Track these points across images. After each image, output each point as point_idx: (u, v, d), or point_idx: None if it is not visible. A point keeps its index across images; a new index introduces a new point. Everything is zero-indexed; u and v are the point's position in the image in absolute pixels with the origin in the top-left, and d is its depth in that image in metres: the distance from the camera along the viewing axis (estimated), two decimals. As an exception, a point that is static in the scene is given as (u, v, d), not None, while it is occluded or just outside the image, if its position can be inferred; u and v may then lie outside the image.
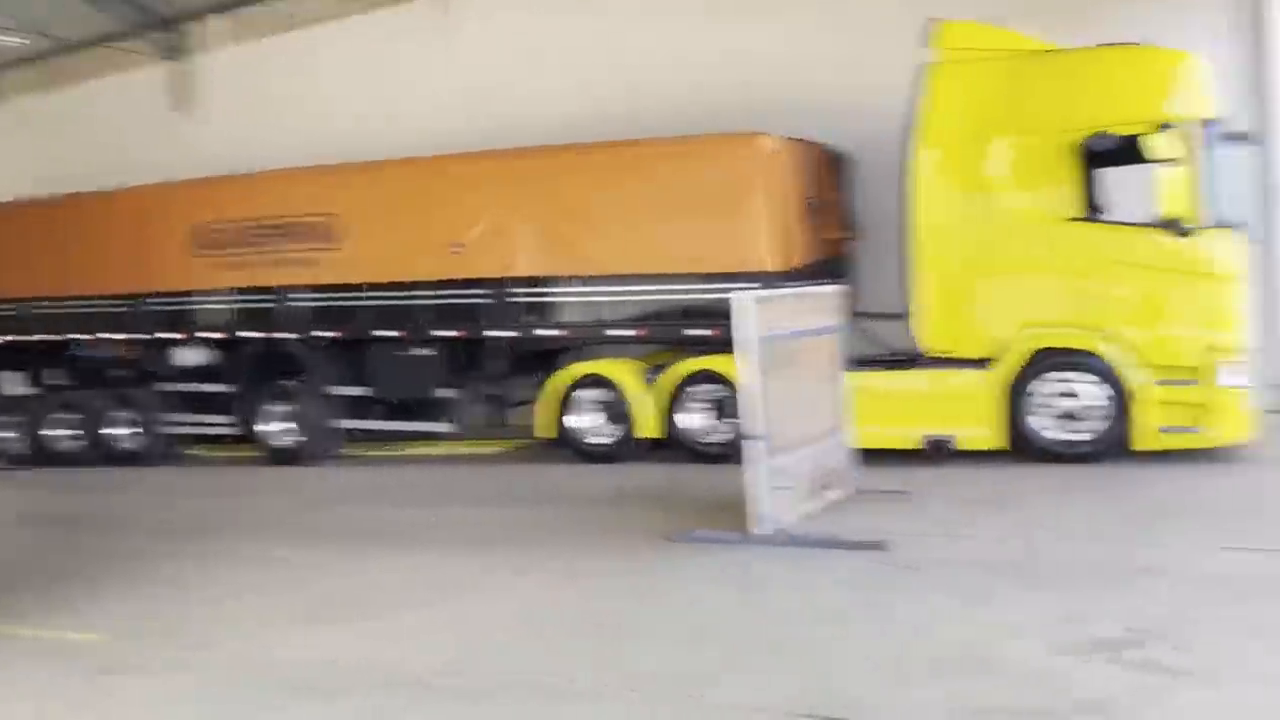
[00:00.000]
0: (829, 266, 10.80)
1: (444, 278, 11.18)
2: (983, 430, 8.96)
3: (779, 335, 6.94)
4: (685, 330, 10.33)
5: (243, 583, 6.78)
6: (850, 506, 7.51)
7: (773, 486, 6.73)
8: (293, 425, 12.30)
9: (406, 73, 15.32)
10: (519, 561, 6.71)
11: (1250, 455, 8.42)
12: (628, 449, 10.42)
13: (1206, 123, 8.34)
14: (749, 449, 6.69)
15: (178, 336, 13.04)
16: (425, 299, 11.39)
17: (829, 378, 7.76)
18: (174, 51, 17.70)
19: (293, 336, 12.17)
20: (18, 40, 18.22)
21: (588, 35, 13.85)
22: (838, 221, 10.83)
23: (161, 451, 13.31)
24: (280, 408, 12.38)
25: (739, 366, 6.80)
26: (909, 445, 9.18)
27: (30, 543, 8.95)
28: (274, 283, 12.18)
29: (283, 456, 12.30)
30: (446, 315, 11.29)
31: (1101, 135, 8.44)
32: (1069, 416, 8.77)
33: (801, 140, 10.51)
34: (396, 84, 15.35)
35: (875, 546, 6.35)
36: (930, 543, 6.49)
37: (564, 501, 8.62)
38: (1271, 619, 4.71)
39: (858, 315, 11.15)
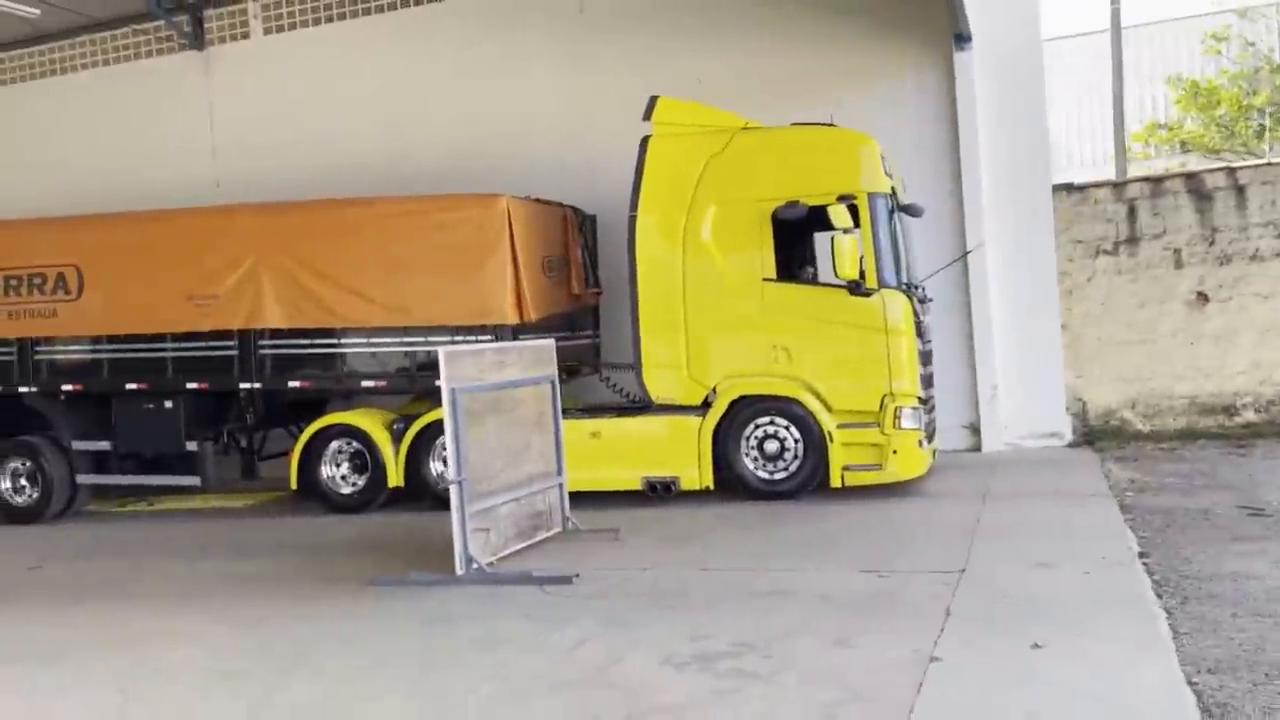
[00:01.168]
0: (571, 320, 11.49)
1: (188, 329, 11.18)
2: (696, 472, 9.74)
3: (480, 386, 7.44)
4: (428, 381, 10.69)
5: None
6: (558, 545, 8.07)
7: (473, 528, 7.20)
8: (30, 482, 11.94)
9: (164, 124, 15.28)
10: (220, 610, 6.89)
11: (922, 490, 9.49)
12: (375, 498, 10.69)
13: (877, 196, 9.46)
14: (452, 493, 7.13)
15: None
16: (169, 351, 11.35)
17: (540, 426, 8.31)
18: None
19: (33, 390, 11.85)
20: None
21: (348, 92, 14.27)
22: (581, 277, 11.49)
23: None
24: (17, 463, 11.99)
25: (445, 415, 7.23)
26: (633, 487, 9.87)
27: None
28: (14, 334, 11.85)
29: (19, 515, 11.91)
30: (191, 367, 11.28)
31: (790, 205, 9.44)
32: (770, 458, 9.67)
33: (542, 201, 11.16)
34: (153, 135, 15.28)
35: (562, 581, 6.90)
36: (613, 576, 7.08)
37: (291, 552, 8.80)
38: (855, 628, 5.49)
39: (604, 365, 11.97)
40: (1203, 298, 11.52)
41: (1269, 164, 11.62)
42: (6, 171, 15.87)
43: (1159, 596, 5.80)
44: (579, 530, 8.45)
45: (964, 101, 11.78)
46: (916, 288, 10.10)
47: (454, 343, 10.07)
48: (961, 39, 11.69)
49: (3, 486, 12.04)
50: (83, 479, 11.87)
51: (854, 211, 9.34)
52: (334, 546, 8.95)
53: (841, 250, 9.19)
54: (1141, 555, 6.76)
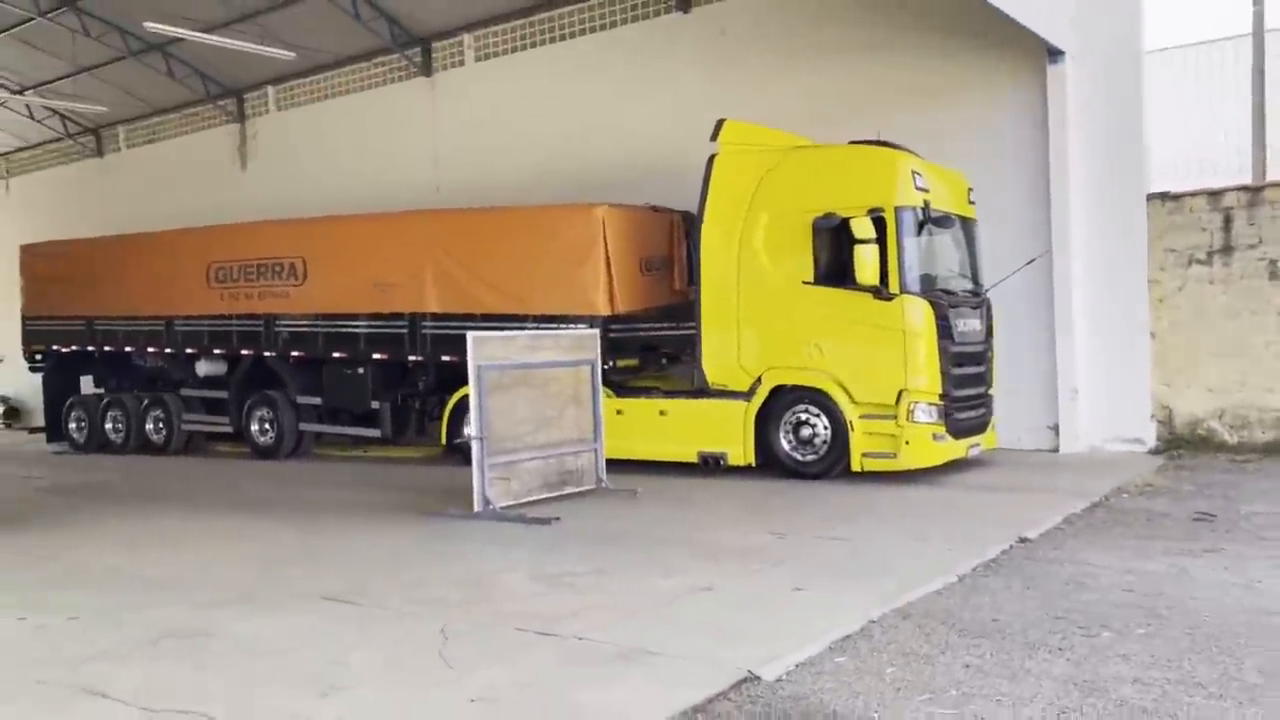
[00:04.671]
0: (672, 312, 13.12)
1: (373, 310, 14.01)
2: (741, 449, 11.15)
3: (507, 364, 9.40)
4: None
5: (120, 526, 9.70)
6: (583, 498, 9.88)
7: (492, 477, 9.20)
8: (270, 427, 15.41)
9: (399, 139, 18.47)
10: (321, 524, 9.38)
11: (933, 479, 10.35)
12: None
13: (904, 209, 10.38)
14: (474, 448, 9.17)
15: (195, 352, 16.31)
16: (361, 328, 14.25)
17: (576, 400, 10.13)
18: (237, 116, 21.34)
19: (272, 355, 15.24)
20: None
21: (540, 109, 16.68)
22: (683, 275, 13.10)
23: (181, 444, 16.71)
24: (262, 412, 15.49)
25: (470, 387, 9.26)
26: (690, 459, 11.45)
27: (36, 500, 12.15)
28: (260, 311, 15.29)
29: (263, 452, 15.41)
30: (375, 341, 14.11)
31: (826, 216, 10.57)
32: (803, 442, 10.89)
33: (655, 207, 12.90)
34: (390, 148, 18.52)
35: (544, 522, 8.74)
36: (592, 522, 8.81)
37: (399, 491, 11.23)
38: (692, 568, 6.89)
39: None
40: (1296, 309, 11.21)
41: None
42: (282, 179, 19.82)
43: (974, 571, 6.71)
44: (608, 488, 10.20)
45: (1055, 113, 12.14)
46: (951, 293, 10.86)
47: (561, 329, 12.08)
48: (1054, 53, 12.07)
49: (253, 429, 15.64)
50: (303, 426, 15.16)
51: (882, 223, 10.33)
52: (434, 489, 11.25)
53: (862, 259, 10.24)
54: (1022, 541, 7.52)
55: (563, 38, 16.70)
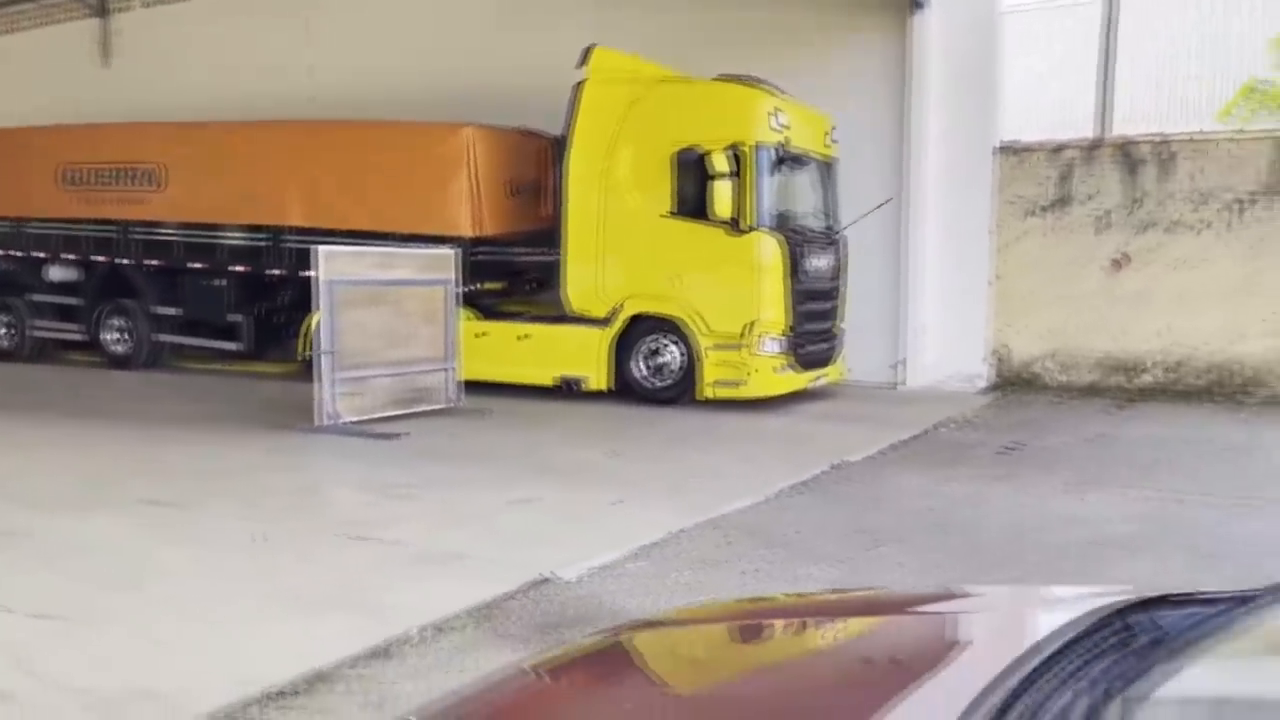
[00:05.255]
0: (540, 238, 13.18)
1: (236, 222, 13.70)
2: (599, 374, 11.40)
3: (357, 280, 9.39)
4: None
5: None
6: (433, 417, 9.99)
7: (341, 392, 9.24)
8: (126, 336, 15.01)
9: (272, 46, 17.85)
10: (162, 434, 9.29)
11: (778, 407, 10.79)
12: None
13: (761, 147, 10.64)
14: (320, 362, 9.18)
15: (46, 256, 15.68)
16: (222, 239, 13.93)
17: (429, 319, 10.20)
18: (99, 10, 20.26)
19: (128, 263, 14.78)
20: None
21: (414, 27, 16.33)
22: (550, 200, 13.14)
23: (33, 351, 16.13)
24: (117, 321, 15.06)
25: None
26: (549, 383, 11.65)
27: None
28: (117, 216, 14.78)
29: (118, 361, 15.01)
30: (237, 254, 13.83)
31: (686, 150, 10.76)
32: (657, 369, 11.20)
33: (527, 131, 12.85)
34: (263, 54, 17.89)
35: (388, 437, 8.86)
36: (434, 440, 8.95)
37: (247, 404, 11.15)
38: (516, 482, 7.13)
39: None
40: (1122, 260, 11.95)
41: (1199, 136, 11.76)
42: (148, 81, 18.93)
43: (789, 489, 7.11)
44: (461, 407, 10.35)
45: (915, 61, 12.51)
46: (803, 231, 11.23)
47: (427, 247, 12.04)
48: (917, 3, 12.40)
49: (107, 338, 15.20)
50: (159, 337, 14.81)
51: (739, 159, 10.58)
52: (286, 404, 11.19)
53: (718, 193, 10.49)
54: (839, 465, 7.98)
55: (443, -47, 16.31)
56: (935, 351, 12.84)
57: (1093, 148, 12.16)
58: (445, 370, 10.39)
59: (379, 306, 9.65)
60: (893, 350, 12.99)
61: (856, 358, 12.59)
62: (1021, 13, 12.97)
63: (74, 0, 20.39)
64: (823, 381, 11.64)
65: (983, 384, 12.67)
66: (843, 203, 12.05)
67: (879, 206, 12.04)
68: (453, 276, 10.46)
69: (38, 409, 11.01)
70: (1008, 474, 7.81)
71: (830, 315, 11.76)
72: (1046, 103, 14.11)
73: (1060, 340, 12.40)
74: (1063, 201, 12.26)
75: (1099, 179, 12.09)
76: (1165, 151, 11.75)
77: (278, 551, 5.38)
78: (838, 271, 11.89)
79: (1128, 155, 11.90)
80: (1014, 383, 12.66)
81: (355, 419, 9.33)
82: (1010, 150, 12.51)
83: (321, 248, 9.28)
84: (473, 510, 6.41)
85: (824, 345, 11.65)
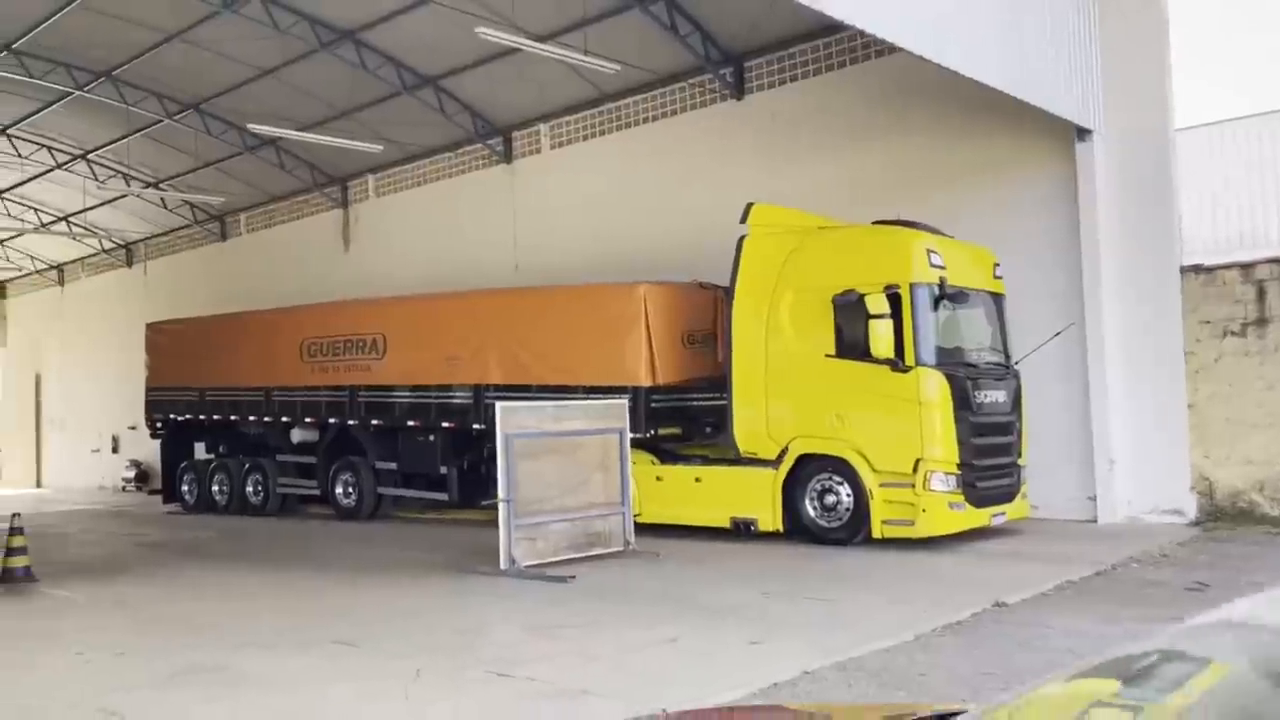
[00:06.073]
0: (715, 383, 13.69)
1: (443, 382, 15.05)
2: (771, 515, 11.60)
3: (535, 433, 10.16)
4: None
5: (195, 577, 10.78)
6: (609, 559, 10.49)
7: (519, 538, 9.92)
8: (352, 490, 16.55)
9: (484, 221, 19.74)
10: (366, 579, 10.26)
11: (951, 546, 10.58)
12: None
13: (918, 286, 10.81)
14: (500, 510, 9.93)
15: (290, 420, 17.66)
16: (433, 398, 15.30)
17: (604, 466, 10.80)
18: (341, 202, 23.11)
19: (355, 423, 16.43)
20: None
21: (608, 191, 17.69)
22: (724, 348, 13.68)
23: (276, 506, 18.01)
24: (346, 476, 16.67)
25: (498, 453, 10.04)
26: (724, 524, 11.94)
27: (131, 555, 13.45)
28: (346, 382, 16.54)
29: (346, 513, 16.54)
30: (446, 411, 15.13)
31: (845, 293, 11.08)
32: (828, 509, 11.29)
33: (689, 283, 13.58)
34: (475, 229, 19.79)
35: (560, 579, 9.39)
36: (609, 580, 9.41)
37: (446, 549, 12.03)
38: (660, 620, 7.42)
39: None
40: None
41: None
42: (379, 259, 21.33)
43: (934, 630, 7.05)
44: (634, 550, 10.80)
45: (1085, 190, 12.41)
46: (973, 365, 11.19)
47: (610, 397, 12.82)
48: (1083, 132, 12.38)
49: (337, 492, 16.81)
50: (381, 490, 16.25)
51: (897, 299, 10.79)
52: (481, 549, 12.00)
53: (877, 333, 10.69)
54: (998, 605, 7.79)
55: (629, 125, 17.73)
56: (1130, 483, 12.23)
57: (1286, 263, 11.53)
58: (620, 514, 10.91)
59: (555, 455, 10.37)
60: (1084, 484, 12.47)
61: (1046, 493, 12.19)
62: (1197, 129, 12.61)
63: (321, 195, 23.28)
64: (1003, 519, 11.33)
65: (1188, 517, 11.89)
66: (1025, 335, 11.92)
67: (1057, 335, 11.85)
68: (625, 425, 11.08)
69: (267, 558, 12.36)
70: (1182, 614, 7.35)
71: (1008, 450, 11.51)
72: (1229, 220, 13.52)
73: (1271, 469, 11.52)
74: (1261, 322, 11.60)
75: (1298, 295, 11.41)
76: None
77: (428, 686, 5.93)
78: (1014, 405, 11.68)
79: (1327, 269, 11.20)
80: (1223, 516, 11.80)
81: (533, 563, 9.95)
82: (1197, 270, 12.03)
83: (500, 404, 10.16)
84: (614, 648, 6.76)
85: (1003, 481, 11.38)
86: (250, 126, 18.46)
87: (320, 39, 17.05)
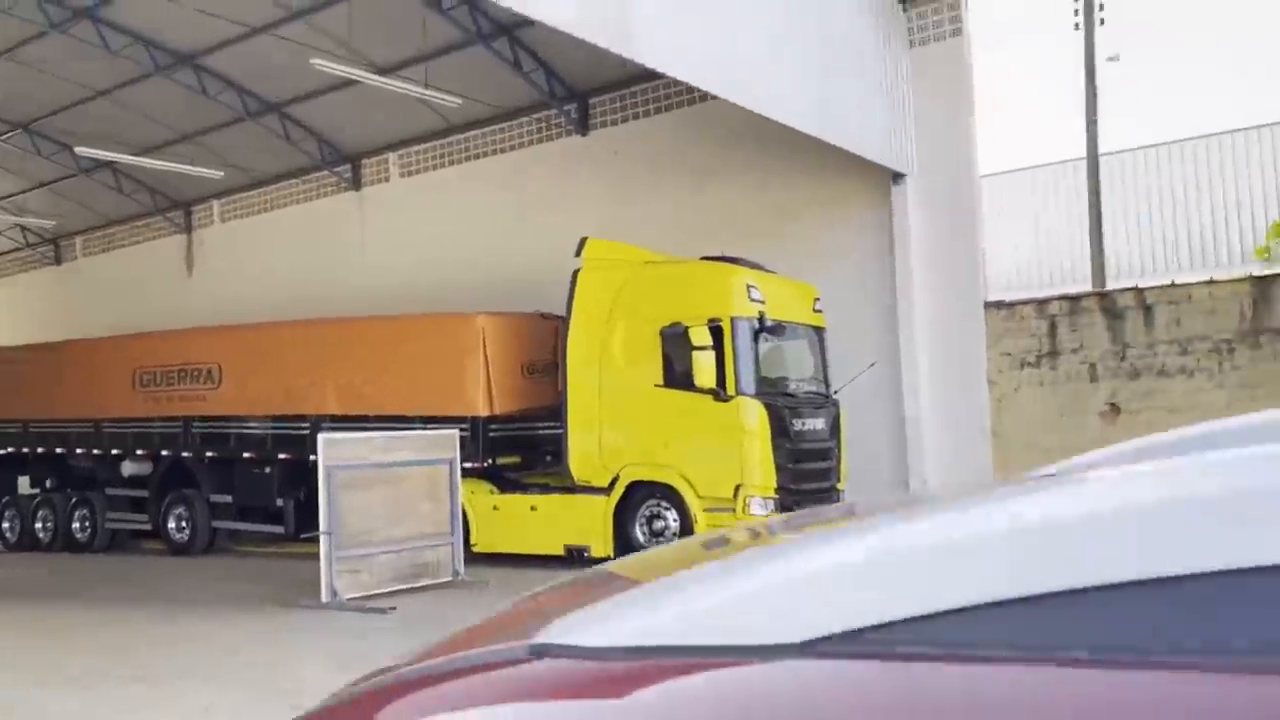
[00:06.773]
0: (548, 412, 13.88)
1: (281, 413, 14.83)
2: (603, 541, 11.86)
3: (359, 464, 10.18)
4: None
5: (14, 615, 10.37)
6: (434, 590, 10.53)
7: (339, 570, 9.90)
8: (185, 524, 16.08)
9: (331, 249, 19.57)
10: (183, 613, 10.04)
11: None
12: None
13: (739, 320, 11.30)
14: (321, 542, 9.89)
15: (121, 453, 17.04)
16: (268, 429, 15.05)
17: (433, 496, 10.88)
18: (184, 227, 22.51)
19: (189, 455, 16.00)
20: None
21: (455, 221, 17.80)
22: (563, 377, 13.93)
23: (105, 542, 17.31)
24: (179, 510, 16.18)
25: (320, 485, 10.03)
26: (556, 551, 12.14)
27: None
28: (179, 413, 16.10)
29: (179, 548, 16.04)
30: (281, 442, 14.89)
31: (671, 326, 11.49)
32: (656, 534, 11.62)
33: (529, 314, 13.80)
34: (325, 254, 19.61)
35: (383, 611, 9.41)
36: (429, 611, 9.47)
37: (274, 583, 11.86)
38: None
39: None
40: (1114, 409, 12.06)
41: (1173, 285, 12.00)
42: (225, 286, 20.87)
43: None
44: (463, 580, 10.88)
45: (899, 228, 13.21)
46: (791, 395, 11.73)
47: (446, 427, 12.87)
48: (897, 176, 13.19)
49: (170, 526, 16.29)
50: (215, 523, 15.84)
51: (719, 332, 11.25)
52: (309, 582, 11.86)
53: (700, 364, 11.12)
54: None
55: (477, 157, 17.91)
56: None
57: (1075, 299, 12.50)
58: (449, 544, 10.99)
59: (384, 486, 10.39)
60: (902, 506, 13.12)
61: (864, 515, 12.78)
62: (999, 176, 13.58)
63: (163, 220, 22.63)
64: (822, 541, 11.83)
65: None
66: (845, 365, 12.54)
67: (869, 368, 12.51)
68: (455, 455, 11.18)
69: (79, 596, 11.91)
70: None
71: (827, 475, 12.07)
72: (1033, 258, 14.59)
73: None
74: (1053, 354, 12.53)
75: (1082, 331, 12.37)
76: (1142, 302, 12.02)
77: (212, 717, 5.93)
78: (833, 432, 12.26)
79: (1110, 307, 12.19)
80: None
81: (357, 595, 9.93)
82: (999, 305, 12.92)
83: (322, 435, 10.13)
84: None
85: (822, 504, 11.92)
86: (78, 150, 17.83)
87: (156, 62, 16.68)
